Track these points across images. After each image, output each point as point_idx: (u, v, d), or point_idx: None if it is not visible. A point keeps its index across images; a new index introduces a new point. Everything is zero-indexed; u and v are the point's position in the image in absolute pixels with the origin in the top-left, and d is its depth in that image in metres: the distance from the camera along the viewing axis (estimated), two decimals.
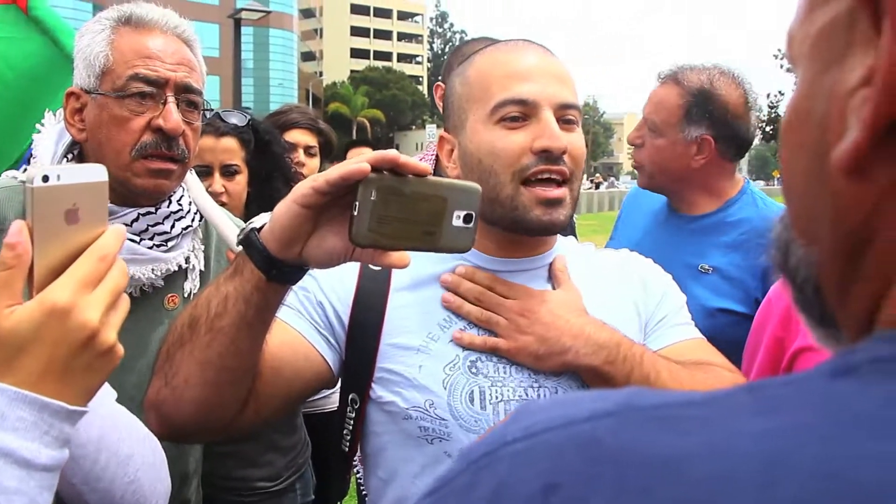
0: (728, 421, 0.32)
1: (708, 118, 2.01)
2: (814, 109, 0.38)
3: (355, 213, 0.90)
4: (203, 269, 1.58)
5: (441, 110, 2.08)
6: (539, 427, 0.35)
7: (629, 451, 0.32)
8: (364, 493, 1.30)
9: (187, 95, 1.40)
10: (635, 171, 2.27)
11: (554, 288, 1.25)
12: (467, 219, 0.96)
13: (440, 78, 2.20)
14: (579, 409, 0.35)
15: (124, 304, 0.80)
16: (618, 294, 1.29)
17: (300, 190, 0.93)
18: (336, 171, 0.91)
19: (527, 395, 1.17)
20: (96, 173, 0.79)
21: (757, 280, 1.97)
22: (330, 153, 3.00)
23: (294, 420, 2.15)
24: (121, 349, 0.79)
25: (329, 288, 1.22)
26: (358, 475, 1.49)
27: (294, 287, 1.04)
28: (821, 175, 0.38)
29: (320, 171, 2.86)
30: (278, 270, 0.97)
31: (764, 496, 0.28)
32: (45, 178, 0.73)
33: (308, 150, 2.85)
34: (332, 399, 2.44)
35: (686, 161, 2.05)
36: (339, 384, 1.27)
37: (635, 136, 2.18)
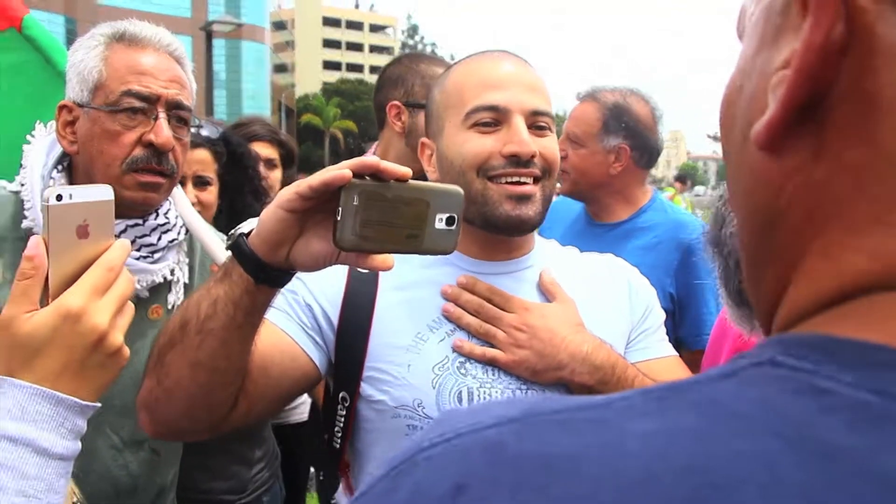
0: (619, 422, 0.35)
1: (624, 129, 2.29)
2: (746, 85, 0.41)
3: (338, 219, 0.92)
4: (187, 281, 1.60)
5: (393, 128, 2.14)
6: (452, 433, 0.37)
7: (529, 453, 0.34)
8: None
9: (177, 112, 1.42)
10: None
11: (548, 299, 1.28)
12: (450, 221, 0.97)
13: (379, 92, 2.24)
14: (488, 416, 0.38)
15: (130, 310, 0.89)
16: (608, 301, 1.33)
17: (285, 195, 0.96)
18: (318, 176, 0.93)
19: (514, 395, 1.19)
20: (104, 193, 0.88)
21: (671, 276, 2.16)
22: (291, 165, 2.99)
23: (261, 432, 2.13)
24: (127, 351, 0.87)
25: (318, 290, 1.25)
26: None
27: (282, 290, 1.06)
28: (744, 149, 0.40)
29: (283, 182, 2.87)
30: (266, 274, 1.00)
31: (644, 490, 0.31)
32: (59, 198, 0.82)
33: (269, 163, 2.81)
34: (299, 410, 2.44)
35: (605, 168, 2.31)
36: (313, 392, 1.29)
37: (559, 150, 2.33)
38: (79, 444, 0.84)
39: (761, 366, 0.35)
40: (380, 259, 0.98)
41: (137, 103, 1.38)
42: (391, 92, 2.17)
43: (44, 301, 0.83)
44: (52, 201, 0.82)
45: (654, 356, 1.32)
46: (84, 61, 1.40)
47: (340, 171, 0.92)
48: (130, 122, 1.38)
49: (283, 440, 2.34)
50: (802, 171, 0.37)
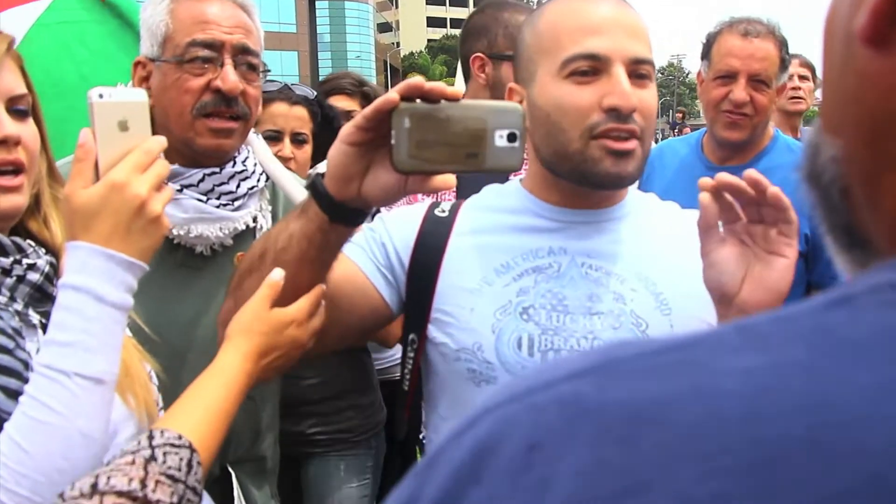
0: (713, 361, 0.31)
1: (786, 65, 2.20)
2: None
3: (393, 142, 0.95)
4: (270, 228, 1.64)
5: (478, 81, 2.08)
6: (522, 391, 0.35)
7: (612, 403, 0.31)
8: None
9: (245, 57, 1.44)
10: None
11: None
12: (511, 137, 0.97)
13: (465, 45, 2.17)
14: (561, 370, 0.35)
15: (168, 190, 1.05)
16: (700, 263, 1.25)
17: (345, 130, 1.00)
18: (370, 106, 0.96)
19: (578, 345, 1.16)
20: (139, 95, 1.04)
21: (804, 217, 2.00)
22: None
23: (371, 380, 2.21)
24: (167, 221, 1.03)
25: (394, 229, 1.27)
26: (422, 437, 1.54)
27: (364, 227, 1.10)
28: (847, 55, 0.36)
29: None
30: (339, 211, 1.04)
31: (749, 432, 0.28)
32: (101, 95, 1.00)
33: (348, 116, 2.84)
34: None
35: (772, 108, 2.20)
36: None
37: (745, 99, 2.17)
38: (130, 299, 1.01)
39: (879, 290, 0.31)
40: (440, 179, 1.00)
41: (203, 52, 1.40)
42: (474, 44, 2.11)
43: (96, 180, 1.00)
44: (95, 99, 1.00)
45: None
46: (153, 16, 1.44)
47: (388, 95, 0.95)
48: (199, 72, 1.41)
49: (389, 394, 2.40)
50: None
